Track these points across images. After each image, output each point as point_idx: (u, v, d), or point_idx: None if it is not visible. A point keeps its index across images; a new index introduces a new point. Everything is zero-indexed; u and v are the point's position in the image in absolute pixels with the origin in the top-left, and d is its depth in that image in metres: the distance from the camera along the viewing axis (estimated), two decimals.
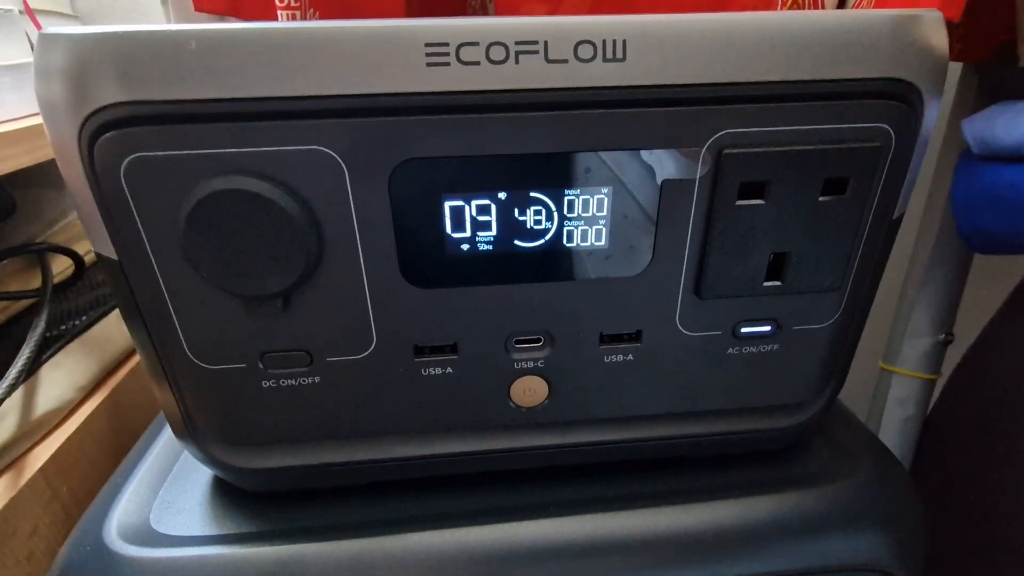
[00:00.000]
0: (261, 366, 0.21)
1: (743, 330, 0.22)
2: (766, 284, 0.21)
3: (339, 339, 0.21)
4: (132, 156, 0.17)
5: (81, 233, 0.46)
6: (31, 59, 0.38)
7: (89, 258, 0.45)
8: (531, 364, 0.22)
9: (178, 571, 0.22)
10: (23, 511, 0.31)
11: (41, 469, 0.33)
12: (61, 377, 0.37)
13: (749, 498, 0.25)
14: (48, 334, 0.37)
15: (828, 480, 0.26)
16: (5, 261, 0.41)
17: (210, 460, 0.23)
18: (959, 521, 0.43)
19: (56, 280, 0.40)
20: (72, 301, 0.42)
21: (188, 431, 0.23)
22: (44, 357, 0.37)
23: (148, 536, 0.23)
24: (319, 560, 0.23)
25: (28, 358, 0.33)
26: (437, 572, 0.23)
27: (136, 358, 0.43)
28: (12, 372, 0.31)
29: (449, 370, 0.22)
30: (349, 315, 0.20)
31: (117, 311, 0.43)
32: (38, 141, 0.34)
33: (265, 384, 0.21)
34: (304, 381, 0.21)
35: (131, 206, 0.18)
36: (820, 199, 0.19)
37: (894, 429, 0.48)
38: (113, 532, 0.24)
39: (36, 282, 0.40)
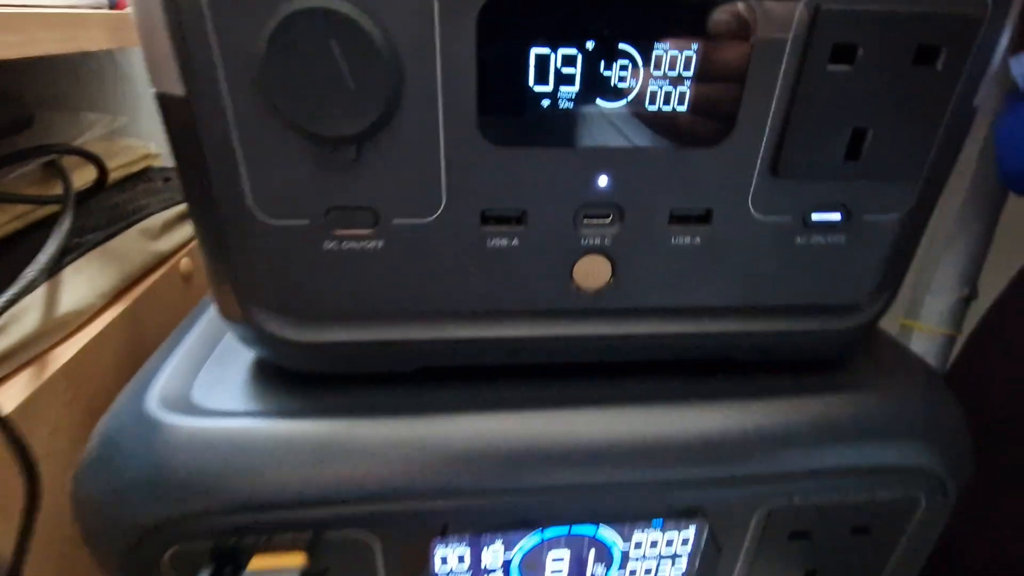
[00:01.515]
0: (325, 223, 0.20)
1: (813, 217, 0.22)
2: (844, 163, 0.20)
3: (407, 197, 0.20)
4: None
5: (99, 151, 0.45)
6: None
7: (114, 175, 0.44)
8: (598, 241, 0.22)
9: (222, 440, 0.22)
10: (44, 407, 0.30)
11: (63, 368, 0.32)
12: (83, 281, 0.36)
13: (802, 399, 0.24)
14: (68, 242, 0.36)
15: (877, 388, 0.25)
16: (24, 170, 0.40)
17: (258, 334, 0.23)
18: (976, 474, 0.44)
19: (78, 189, 0.39)
20: (90, 217, 0.41)
21: (238, 301, 0.22)
22: (66, 260, 0.36)
23: (190, 407, 0.23)
24: (370, 436, 0.22)
25: (53, 254, 0.32)
26: (489, 454, 0.22)
27: (154, 276, 0.42)
28: (42, 258, 0.30)
29: (515, 242, 0.21)
30: (420, 170, 0.20)
31: (138, 227, 0.42)
32: (71, 31, 0.33)
33: (327, 245, 0.21)
34: (367, 245, 0.21)
35: (208, 26, 0.17)
36: (909, 69, 0.19)
37: None
38: (154, 402, 0.23)
39: (54, 192, 0.39)
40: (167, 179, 0.53)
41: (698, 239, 0.22)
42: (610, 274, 0.22)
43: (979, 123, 0.42)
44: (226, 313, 0.23)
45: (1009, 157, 0.34)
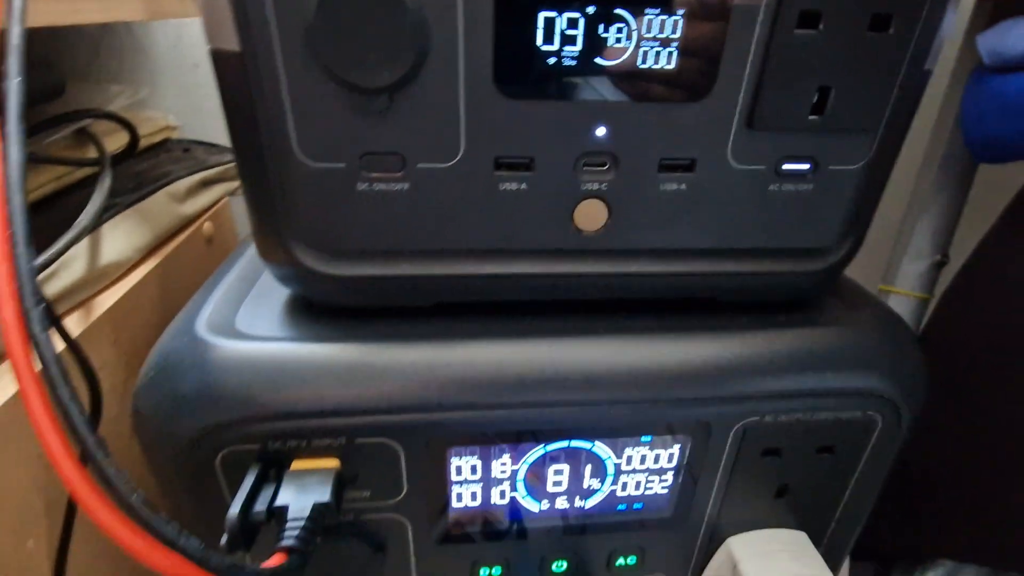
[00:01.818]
0: (359, 166, 0.23)
1: (784, 166, 0.25)
2: (810, 117, 0.23)
3: (431, 144, 0.23)
4: None
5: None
6: None
7: (145, 142, 0.47)
8: (596, 187, 0.25)
9: (265, 359, 0.25)
10: (94, 345, 0.33)
11: (107, 312, 0.35)
12: (120, 237, 0.39)
13: (774, 331, 0.28)
14: (107, 201, 0.39)
15: (841, 322, 0.29)
16: (57, 136, 0.42)
17: (296, 271, 0.26)
18: (948, 426, 0.47)
19: (111, 153, 0.42)
20: (120, 181, 0.44)
21: (279, 240, 0.25)
22: (104, 218, 0.38)
23: (235, 332, 0.26)
24: (394, 358, 0.25)
25: (99, 207, 0.35)
26: (497, 376, 0.25)
27: (181, 237, 0.45)
28: (90, 210, 0.33)
29: (523, 186, 0.24)
30: (442, 119, 0.23)
31: (165, 190, 0.45)
32: (110, 2, 0.36)
33: (360, 187, 0.24)
34: (394, 187, 0.24)
35: None
36: (865, 34, 0.22)
37: None
38: (204, 328, 0.26)
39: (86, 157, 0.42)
40: (186, 149, 0.56)
41: (684, 186, 0.25)
42: (606, 217, 0.25)
43: (952, 96, 0.45)
44: (266, 253, 0.26)
45: (973, 126, 0.37)
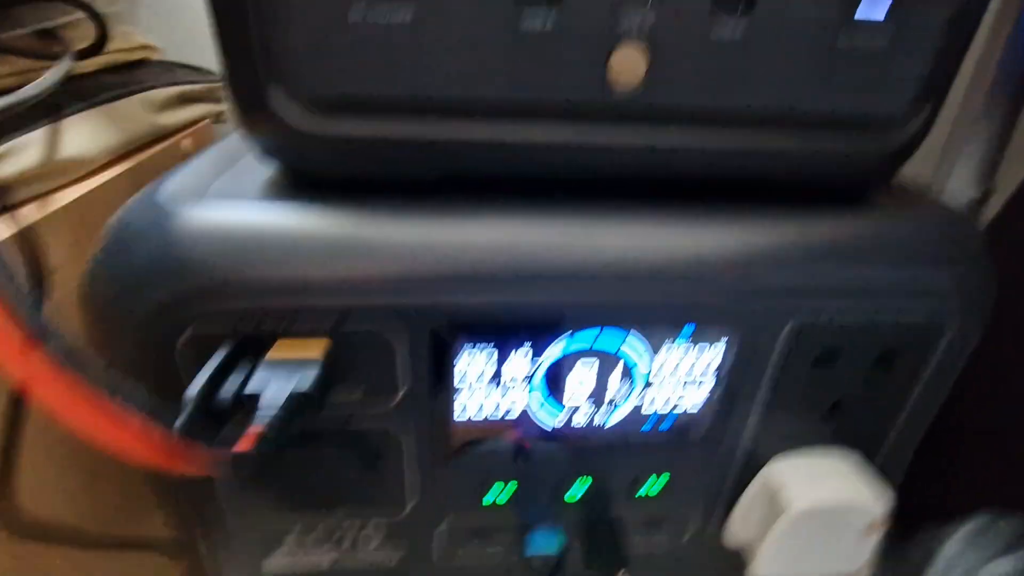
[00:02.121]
0: None
1: (859, 10, 0.21)
2: None
3: None
4: None
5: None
6: None
7: (112, 58, 0.43)
8: (635, 27, 0.21)
9: (240, 225, 0.21)
10: (47, 238, 0.29)
11: (65, 207, 0.31)
12: (85, 133, 0.35)
13: (833, 219, 0.24)
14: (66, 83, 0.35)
15: (907, 215, 0.25)
16: (19, 34, 0.38)
17: (277, 131, 0.22)
18: (980, 375, 0.44)
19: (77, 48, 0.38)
20: (89, 81, 0.40)
21: (257, 90, 0.21)
22: (66, 112, 0.34)
23: (204, 199, 0.22)
24: (398, 230, 0.22)
25: (51, 83, 0.31)
26: (519, 258, 0.22)
27: (157, 147, 0.41)
28: (39, 85, 0.29)
29: (550, 22, 0.20)
30: None
31: (139, 96, 0.41)
32: None
33: (352, 16, 0.20)
34: (394, 16, 0.20)
35: None
36: None
37: None
38: (170, 197, 0.22)
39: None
40: (167, 69, 0.51)
41: (740, 28, 0.21)
42: (646, 68, 0.21)
43: (1005, 12, 0.41)
44: (242, 113, 0.22)
45: None
